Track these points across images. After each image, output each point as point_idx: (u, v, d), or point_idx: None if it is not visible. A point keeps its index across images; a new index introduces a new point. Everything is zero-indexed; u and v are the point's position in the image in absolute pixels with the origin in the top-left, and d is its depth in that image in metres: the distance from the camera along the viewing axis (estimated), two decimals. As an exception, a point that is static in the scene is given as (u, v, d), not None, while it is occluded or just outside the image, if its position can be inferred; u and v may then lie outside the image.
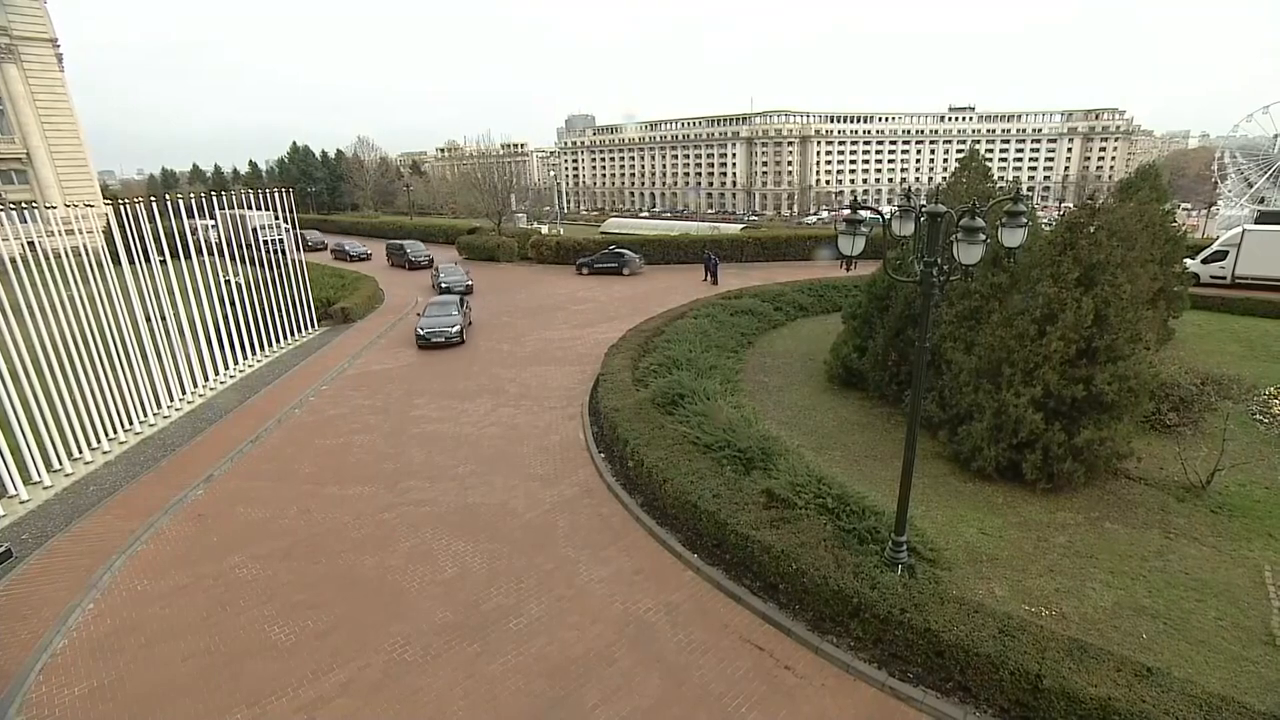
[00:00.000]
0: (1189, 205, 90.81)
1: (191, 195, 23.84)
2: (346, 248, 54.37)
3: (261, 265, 26.13)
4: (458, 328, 26.37)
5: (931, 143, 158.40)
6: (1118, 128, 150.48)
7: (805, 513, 11.14)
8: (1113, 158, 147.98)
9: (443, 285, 36.44)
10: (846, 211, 9.27)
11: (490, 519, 13.44)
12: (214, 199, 23.61)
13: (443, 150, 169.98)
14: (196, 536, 13.28)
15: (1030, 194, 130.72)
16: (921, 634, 8.79)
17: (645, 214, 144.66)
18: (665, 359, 19.28)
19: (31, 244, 16.37)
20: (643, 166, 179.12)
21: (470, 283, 37.37)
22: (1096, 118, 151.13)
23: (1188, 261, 27.99)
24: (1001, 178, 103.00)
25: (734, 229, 59.83)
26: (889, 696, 8.77)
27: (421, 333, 26.21)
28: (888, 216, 9.73)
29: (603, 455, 15.89)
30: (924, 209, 9.19)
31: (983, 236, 8.45)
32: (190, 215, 22.27)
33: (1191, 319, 25.96)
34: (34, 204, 18.30)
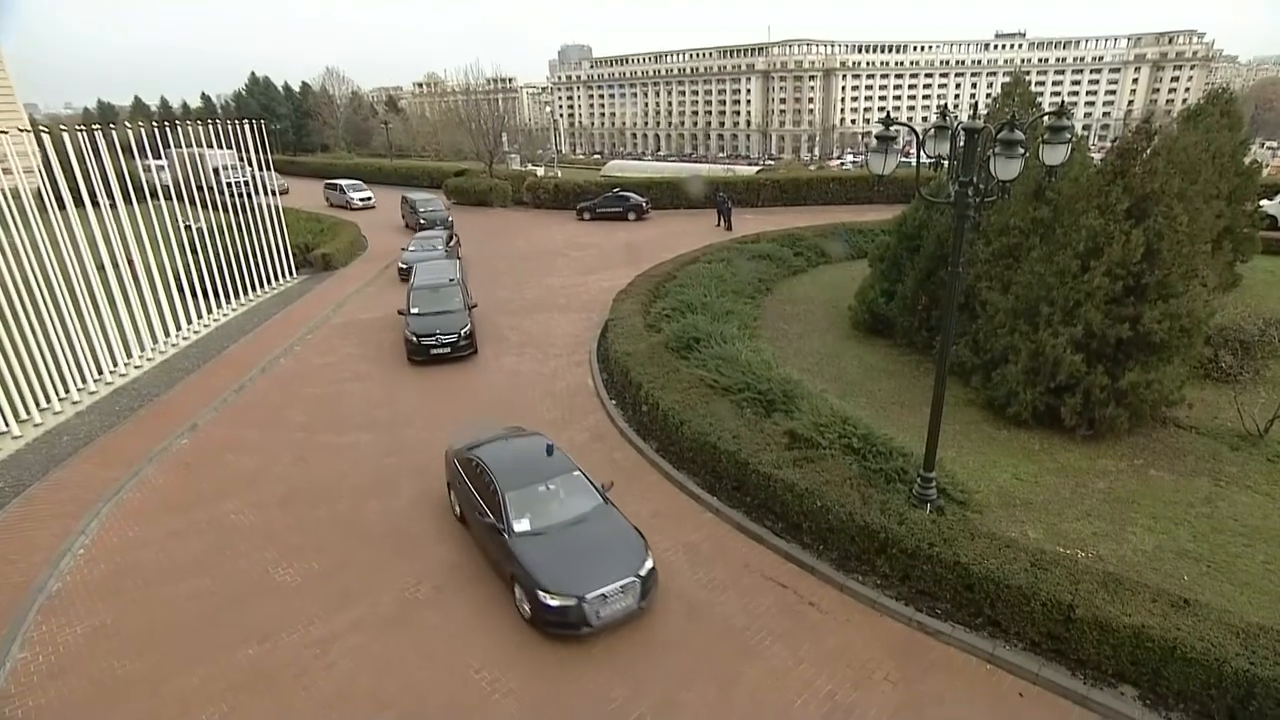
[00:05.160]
0: (1275, 143, 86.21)
1: (143, 128, 23.61)
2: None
3: (227, 210, 26.30)
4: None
5: (974, 75, 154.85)
6: (1194, 53, 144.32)
7: (830, 452, 11.78)
8: (1187, 89, 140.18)
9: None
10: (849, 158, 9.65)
11: (498, 465, 14.10)
12: (165, 134, 23.40)
13: (421, 85, 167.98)
14: (185, 484, 14.02)
15: (1087, 133, 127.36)
16: (951, 568, 9.45)
17: (649, 156, 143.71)
18: (679, 303, 19.83)
19: None
20: (645, 104, 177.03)
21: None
22: (1170, 42, 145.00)
23: (1264, 203, 27.67)
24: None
25: (749, 172, 59.69)
26: (916, 631, 9.51)
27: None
28: (922, 135, 10.10)
29: (614, 402, 16.58)
30: (961, 125, 9.57)
31: (1022, 150, 8.83)
32: (144, 153, 22.22)
33: (1263, 265, 25.81)
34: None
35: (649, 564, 9.89)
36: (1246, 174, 24.13)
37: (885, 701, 8.48)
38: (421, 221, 37.66)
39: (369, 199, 49.85)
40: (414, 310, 20.73)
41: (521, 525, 10.30)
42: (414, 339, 19.60)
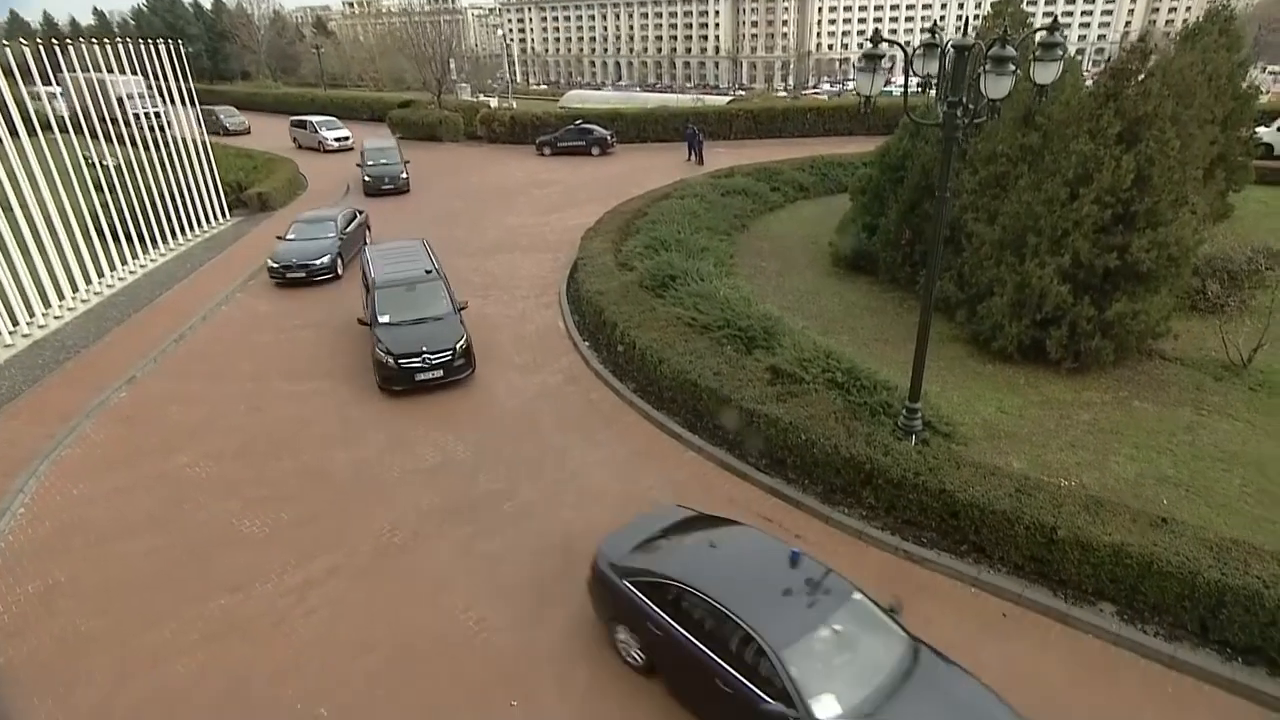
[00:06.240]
0: (1278, 68, 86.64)
1: (29, 47, 22.27)
2: None
3: (139, 145, 25.56)
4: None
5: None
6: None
7: (813, 387, 12.43)
8: (1189, 8, 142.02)
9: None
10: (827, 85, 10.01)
11: (470, 408, 14.67)
12: (57, 55, 22.24)
13: (352, 5, 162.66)
14: (129, 439, 14.19)
15: (1081, 57, 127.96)
16: (936, 495, 10.20)
17: (609, 86, 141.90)
18: (652, 240, 20.21)
19: None
20: (604, 29, 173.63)
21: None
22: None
23: (1260, 130, 28.22)
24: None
25: (720, 102, 59.66)
26: (902, 559, 10.31)
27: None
28: (910, 54, 10.49)
29: (587, 343, 17.12)
30: (951, 43, 9.98)
31: (1013, 67, 9.27)
32: (33, 79, 21.04)
33: (1256, 195, 26.49)
34: None
35: None
36: (1243, 98, 24.54)
37: (873, 626, 9.22)
38: (366, 178, 32.87)
39: (346, 139, 45.08)
40: (383, 319, 15.60)
41: (827, 709, 6.79)
42: (390, 361, 14.72)
